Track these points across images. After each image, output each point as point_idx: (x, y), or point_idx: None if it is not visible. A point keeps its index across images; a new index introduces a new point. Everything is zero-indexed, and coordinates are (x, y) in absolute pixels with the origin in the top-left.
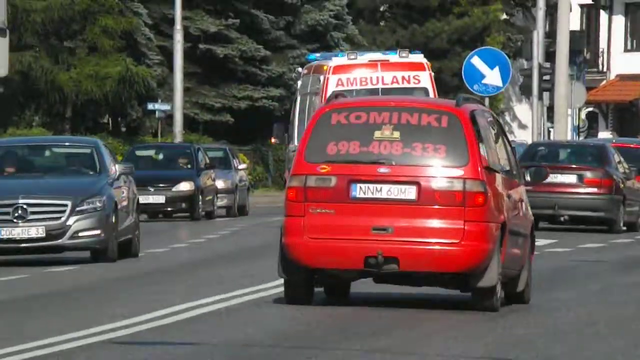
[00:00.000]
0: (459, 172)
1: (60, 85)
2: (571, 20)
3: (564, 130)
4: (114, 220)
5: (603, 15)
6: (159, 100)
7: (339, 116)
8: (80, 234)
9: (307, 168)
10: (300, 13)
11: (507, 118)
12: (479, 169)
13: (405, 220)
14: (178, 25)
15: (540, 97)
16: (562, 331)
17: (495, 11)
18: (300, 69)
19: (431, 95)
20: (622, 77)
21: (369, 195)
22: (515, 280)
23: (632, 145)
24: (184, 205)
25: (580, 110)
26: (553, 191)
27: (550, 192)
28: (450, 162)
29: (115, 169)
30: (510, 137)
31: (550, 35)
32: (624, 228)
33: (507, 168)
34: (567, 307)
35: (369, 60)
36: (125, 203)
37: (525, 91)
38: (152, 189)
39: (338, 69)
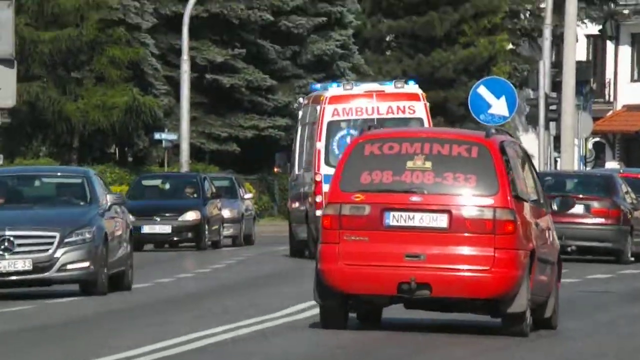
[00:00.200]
0: (489, 201)
1: (68, 115)
2: (577, 50)
3: (571, 161)
4: (104, 251)
5: (609, 46)
6: (166, 130)
7: (372, 147)
8: (69, 267)
9: (342, 197)
10: (307, 43)
11: None
12: (509, 197)
13: (437, 247)
14: (185, 56)
15: (547, 127)
16: None
17: (502, 41)
18: (301, 100)
19: (426, 125)
20: (628, 108)
21: (402, 223)
22: (543, 306)
23: (639, 176)
24: (190, 234)
25: (587, 140)
26: (560, 221)
27: (557, 222)
28: (480, 191)
29: (107, 199)
30: None
31: (557, 65)
32: (632, 259)
33: (535, 197)
34: (575, 337)
35: (365, 91)
36: (117, 234)
37: (532, 121)
38: (158, 219)
39: (334, 99)
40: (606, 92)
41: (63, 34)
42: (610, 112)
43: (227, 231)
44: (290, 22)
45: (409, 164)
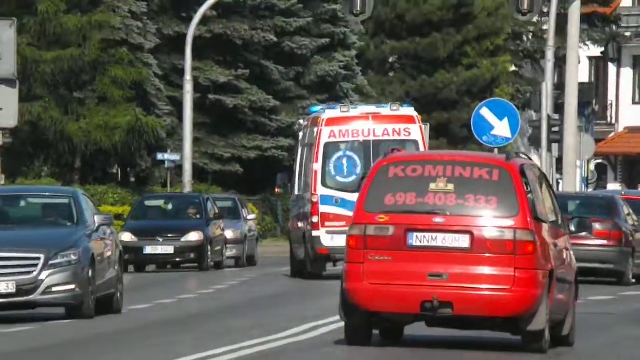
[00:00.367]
0: (510, 222)
1: (70, 135)
2: (580, 72)
3: (573, 182)
4: (91, 274)
5: (612, 68)
6: (169, 151)
7: (396, 169)
8: (54, 289)
9: (367, 218)
10: (310, 64)
11: None
12: (529, 219)
13: (459, 267)
14: (188, 76)
15: (549, 149)
16: None
17: (504, 63)
18: (301, 121)
19: (421, 147)
20: (630, 129)
21: (425, 244)
22: (561, 324)
23: None
24: (192, 255)
25: (589, 162)
26: None
27: None
28: (501, 212)
29: (95, 219)
30: None
31: (559, 87)
32: (633, 280)
33: (553, 218)
34: (577, 359)
35: (361, 113)
36: (105, 255)
37: (534, 143)
38: (160, 239)
39: (331, 121)
40: (608, 114)
41: (65, 53)
42: (612, 134)
43: (230, 252)
44: (294, 43)
45: (432, 186)
